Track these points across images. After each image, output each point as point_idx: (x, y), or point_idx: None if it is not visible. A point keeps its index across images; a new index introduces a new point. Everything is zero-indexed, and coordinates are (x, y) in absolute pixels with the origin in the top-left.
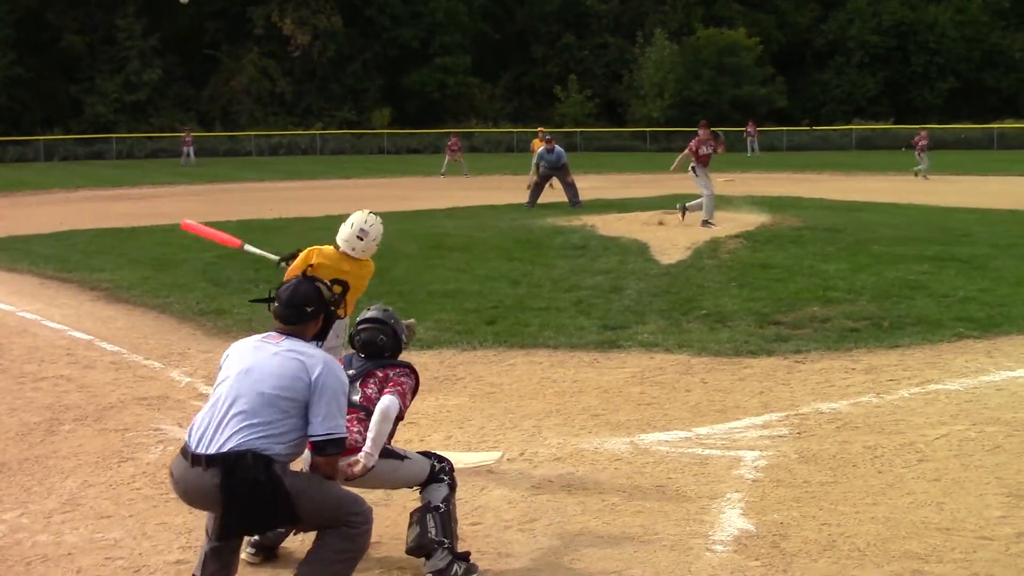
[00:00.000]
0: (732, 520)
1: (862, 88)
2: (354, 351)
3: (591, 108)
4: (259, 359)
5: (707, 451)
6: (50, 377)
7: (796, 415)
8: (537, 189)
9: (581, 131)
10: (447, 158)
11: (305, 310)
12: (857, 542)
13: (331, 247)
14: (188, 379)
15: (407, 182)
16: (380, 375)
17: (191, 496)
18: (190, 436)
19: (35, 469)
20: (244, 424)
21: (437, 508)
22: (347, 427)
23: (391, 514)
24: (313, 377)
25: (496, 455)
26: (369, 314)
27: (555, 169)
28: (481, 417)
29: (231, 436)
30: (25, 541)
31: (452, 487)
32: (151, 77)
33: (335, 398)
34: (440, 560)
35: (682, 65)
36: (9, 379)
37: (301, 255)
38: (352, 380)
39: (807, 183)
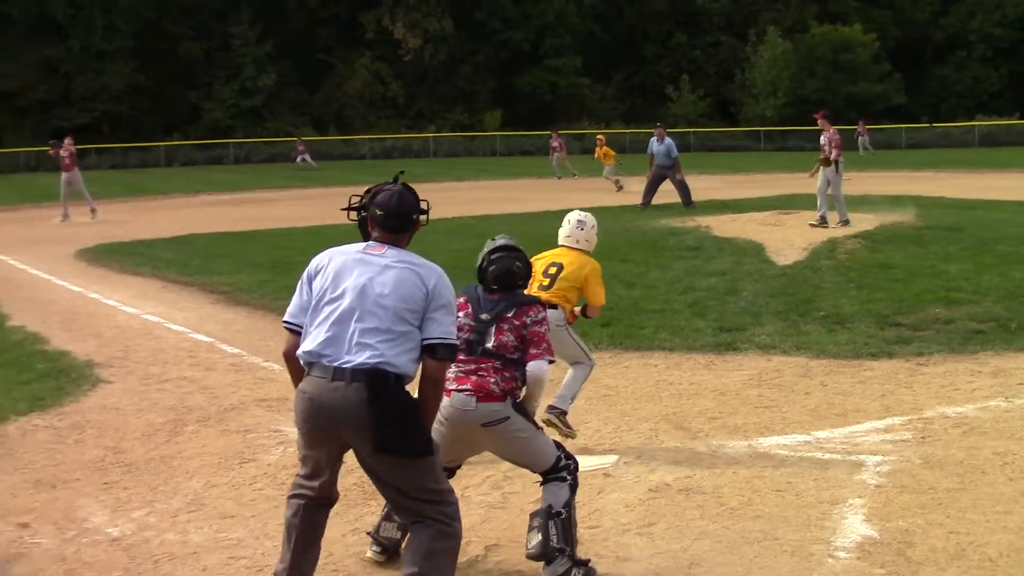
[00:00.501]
0: (855, 526)
1: (985, 83)
2: (477, 284)
3: (703, 108)
4: (372, 272)
5: (827, 455)
6: (174, 379)
7: (920, 419)
8: (650, 189)
9: (694, 131)
10: (553, 159)
11: (410, 217)
12: (988, 552)
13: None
14: None
15: (520, 184)
16: (516, 321)
17: (328, 413)
18: (309, 352)
19: (161, 469)
20: (376, 340)
21: (559, 514)
22: (483, 375)
23: (508, 517)
24: (430, 287)
25: (613, 458)
26: (499, 242)
27: (666, 168)
28: (597, 420)
29: (364, 350)
30: (152, 539)
31: (573, 488)
32: (266, 83)
33: (450, 308)
34: (560, 566)
35: (796, 63)
36: (135, 381)
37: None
38: (486, 324)
39: (927, 181)
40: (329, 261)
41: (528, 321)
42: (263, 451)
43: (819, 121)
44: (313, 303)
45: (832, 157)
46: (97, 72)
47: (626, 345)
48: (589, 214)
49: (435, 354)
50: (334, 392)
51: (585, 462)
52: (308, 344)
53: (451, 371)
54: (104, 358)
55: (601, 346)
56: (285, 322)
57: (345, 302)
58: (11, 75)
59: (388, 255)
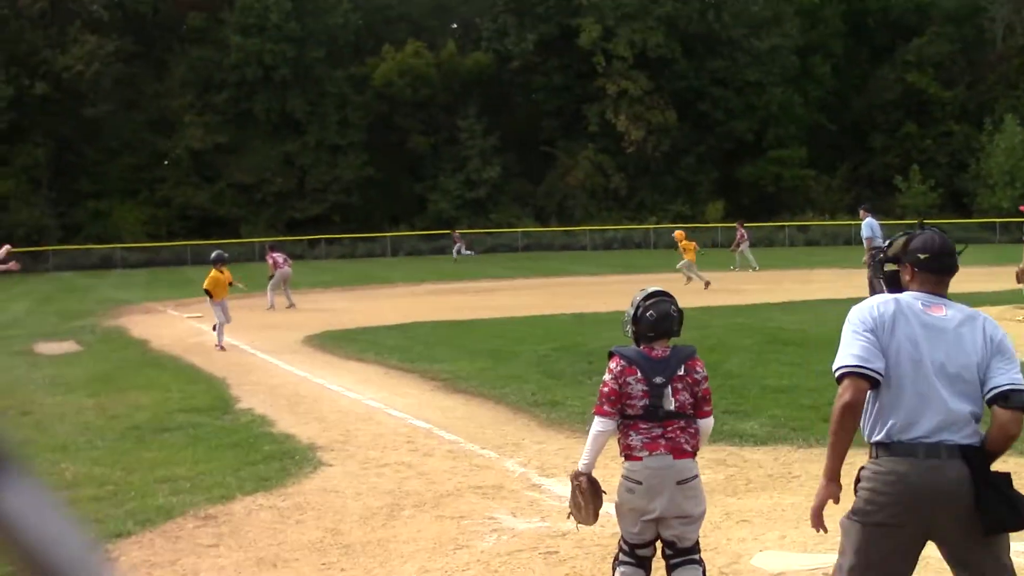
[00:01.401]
0: None
1: None
2: (637, 339)
3: (934, 198)
4: (943, 336)
5: None
6: (392, 463)
7: None
8: (876, 278)
9: (925, 223)
10: (741, 250)
11: (956, 257)
12: None
13: None
14: (522, 469)
15: (739, 276)
16: (688, 379)
17: (917, 495)
18: (888, 429)
19: (377, 552)
20: (964, 411)
21: None
22: (673, 437)
23: None
24: (997, 338)
25: (834, 558)
26: (651, 289)
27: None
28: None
29: (957, 424)
30: None
31: (705, 573)
32: (491, 175)
33: (1011, 352)
34: None
35: None
36: (355, 464)
37: None
38: (661, 386)
39: None
40: (889, 324)
41: (698, 378)
42: (477, 538)
43: None
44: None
45: None
46: (330, 165)
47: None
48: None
49: (1009, 402)
50: (931, 471)
51: (805, 561)
52: (885, 423)
53: (636, 438)
54: (326, 441)
55: (823, 442)
56: (853, 366)
57: (924, 371)
58: (251, 168)
59: (950, 313)
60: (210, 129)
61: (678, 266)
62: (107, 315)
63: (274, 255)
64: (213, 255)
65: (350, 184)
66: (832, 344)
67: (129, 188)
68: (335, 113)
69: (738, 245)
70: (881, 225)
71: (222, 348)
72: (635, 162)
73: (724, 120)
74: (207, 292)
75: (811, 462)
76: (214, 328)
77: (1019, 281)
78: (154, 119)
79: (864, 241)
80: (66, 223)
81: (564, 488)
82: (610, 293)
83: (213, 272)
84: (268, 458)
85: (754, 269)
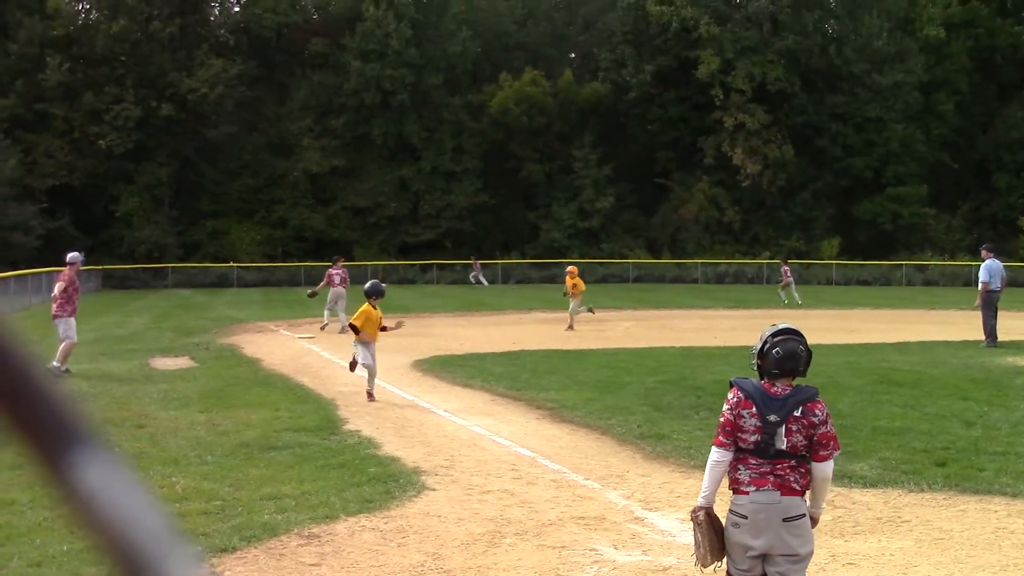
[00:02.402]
0: None
1: None
2: (762, 373)
3: None
4: None
5: None
6: (495, 491)
7: None
8: (990, 323)
9: None
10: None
11: None
12: None
13: None
14: (625, 502)
15: (854, 314)
16: (804, 421)
17: None
18: None
19: None
20: None
21: None
22: (782, 475)
23: None
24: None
25: None
26: (781, 326)
27: (998, 301)
28: (928, 564)
29: None
30: None
31: None
32: (603, 205)
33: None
34: None
35: None
36: (459, 490)
37: None
38: (775, 425)
39: None
40: None
41: (816, 421)
42: (578, 569)
43: None
44: None
45: None
46: (444, 191)
47: (963, 487)
48: None
49: None
50: None
51: None
52: None
53: (744, 473)
54: (431, 466)
55: (935, 486)
56: None
57: None
58: (367, 192)
59: None
60: (327, 152)
61: (570, 308)
62: (221, 332)
63: (331, 271)
64: (368, 286)
65: (463, 210)
66: (948, 387)
67: (246, 208)
68: (451, 139)
69: (786, 284)
70: (1006, 266)
71: (372, 397)
72: (750, 196)
73: (842, 156)
74: (353, 328)
75: (922, 507)
76: (352, 366)
77: None
78: (273, 142)
79: (979, 284)
80: (185, 241)
81: (667, 522)
82: (720, 328)
83: (366, 306)
84: (373, 480)
85: (799, 305)
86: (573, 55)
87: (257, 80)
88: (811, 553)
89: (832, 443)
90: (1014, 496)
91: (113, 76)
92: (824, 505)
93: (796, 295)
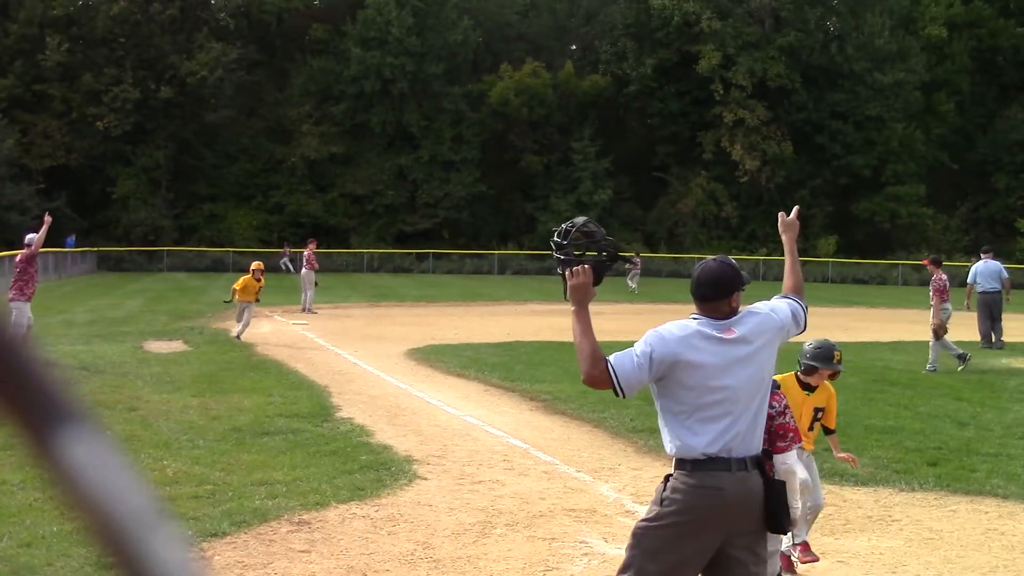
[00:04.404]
0: None
1: None
2: None
3: None
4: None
5: None
6: (486, 481)
7: None
8: (985, 323)
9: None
10: None
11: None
12: None
13: None
14: (617, 495)
15: (850, 312)
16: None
17: (735, 504)
18: (707, 445)
19: (466, 569)
20: (758, 425)
21: None
22: None
23: None
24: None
25: None
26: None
27: (995, 303)
28: (917, 564)
29: (756, 437)
30: None
31: None
32: (601, 197)
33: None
34: None
35: None
36: (450, 479)
37: None
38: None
39: None
40: (687, 352)
41: (773, 413)
42: (567, 561)
43: None
44: None
45: None
46: (442, 180)
47: (954, 487)
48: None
49: None
50: (741, 482)
51: None
52: (697, 441)
53: None
54: (422, 455)
55: (926, 486)
56: (615, 372)
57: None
58: (365, 180)
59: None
60: (326, 139)
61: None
62: (215, 317)
63: (307, 252)
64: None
65: (461, 200)
66: (942, 387)
67: (244, 193)
68: (450, 129)
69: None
70: (1007, 268)
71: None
72: (748, 192)
73: (841, 154)
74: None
75: (913, 506)
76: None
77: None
78: (272, 127)
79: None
80: (182, 224)
81: None
82: None
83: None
84: (364, 468)
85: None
86: (574, 47)
87: (257, 65)
88: (776, 551)
89: (792, 435)
90: (1005, 497)
91: (112, 57)
92: (797, 504)
93: None
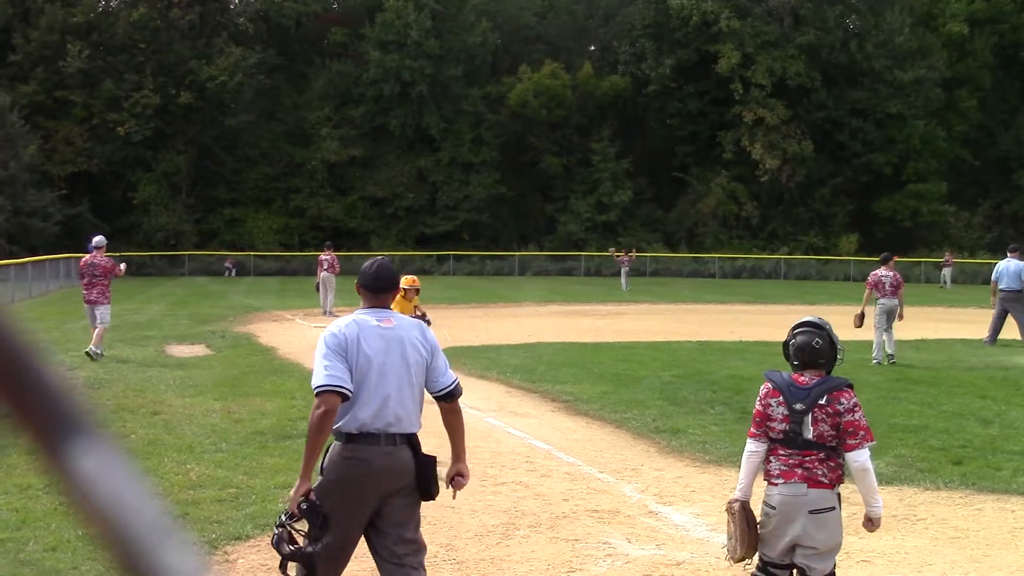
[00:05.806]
0: None
1: None
2: (782, 371)
3: None
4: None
5: None
6: (509, 483)
7: None
8: (997, 321)
9: None
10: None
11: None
12: None
13: None
14: (640, 495)
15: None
16: (830, 409)
17: (385, 473)
18: (366, 422)
19: (489, 570)
20: (415, 403)
21: None
22: (810, 468)
23: None
24: (433, 341)
25: None
26: (806, 318)
27: (1012, 302)
28: (943, 563)
29: (413, 415)
30: None
31: None
32: (621, 198)
33: (442, 352)
34: None
35: None
36: (473, 481)
37: None
38: (802, 414)
39: None
40: (359, 337)
41: (841, 409)
42: (590, 562)
43: None
44: None
45: None
46: (462, 182)
47: (980, 486)
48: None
49: (453, 397)
50: (389, 455)
51: None
52: (357, 416)
53: (775, 464)
54: (444, 457)
55: (951, 485)
56: (327, 385)
57: (387, 371)
58: (385, 183)
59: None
60: (346, 142)
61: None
62: (237, 321)
63: (321, 256)
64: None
65: (481, 202)
66: (965, 385)
67: (264, 197)
68: (469, 131)
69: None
70: None
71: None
72: (769, 191)
73: (862, 152)
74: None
75: (938, 505)
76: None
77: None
78: (292, 131)
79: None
80: (203, 229)
81: (681, 516)
82: (737, 323)
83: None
84: None
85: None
86: (593, 48)
87: (276, 69)
88: (838, 546)
89: (863, 432)
90: None
91: (132, 63)
92: (878, 499)
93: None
